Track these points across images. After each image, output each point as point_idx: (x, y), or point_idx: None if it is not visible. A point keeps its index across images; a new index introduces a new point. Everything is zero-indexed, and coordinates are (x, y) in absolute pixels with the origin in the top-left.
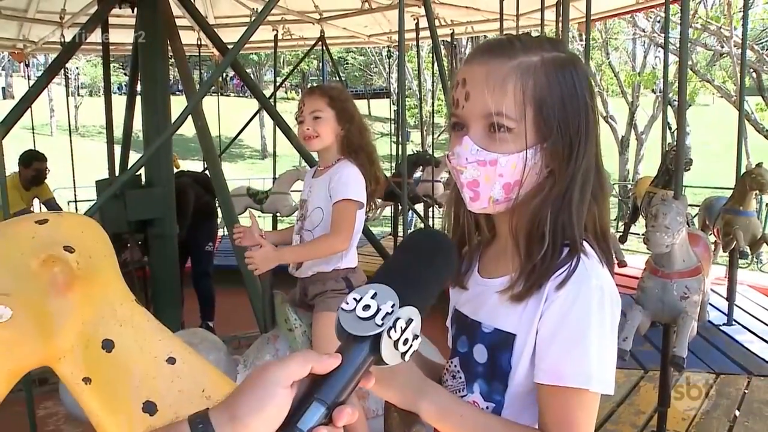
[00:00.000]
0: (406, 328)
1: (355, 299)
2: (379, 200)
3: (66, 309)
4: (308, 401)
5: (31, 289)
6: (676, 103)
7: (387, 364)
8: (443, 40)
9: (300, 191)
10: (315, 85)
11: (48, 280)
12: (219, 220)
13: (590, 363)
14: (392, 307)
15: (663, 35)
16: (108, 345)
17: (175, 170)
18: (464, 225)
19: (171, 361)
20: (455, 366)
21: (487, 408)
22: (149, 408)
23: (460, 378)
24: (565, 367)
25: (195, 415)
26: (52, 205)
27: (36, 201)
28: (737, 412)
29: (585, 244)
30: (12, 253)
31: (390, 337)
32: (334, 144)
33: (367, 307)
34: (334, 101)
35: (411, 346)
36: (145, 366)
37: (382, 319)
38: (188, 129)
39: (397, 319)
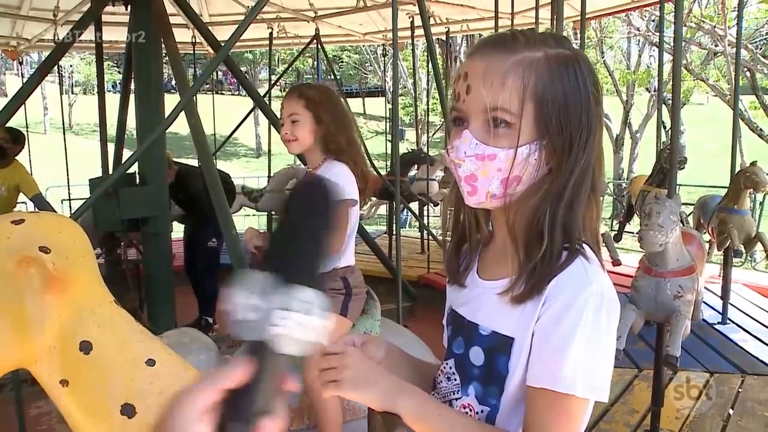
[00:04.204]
0: (301, 314)
1: (241, 301)
2: (374, 198)
3: (43, 311)
4: (225, 426)
5: (7, 290)
6: (670, 101)
7: (300, 355)
8: (438, 39)
9: None
10: (294, 86)
11: (24, 282)
12: None
13: (576, 368)
14: (277, 298)
15: (657, 34)
16: (86, 347)
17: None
18: (464, 222)
19: (150, 363)
20: (450, 368)
21: (481, 412)
22: (128, 411)
23: (455, 380)
24: (553, 371)
25: None
26: (40, 201)
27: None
28: (731, 411)
29: (586, 247)
30: None
31: (285, 330)
32: (316, 145)
33: (251, 307)
34: (311, 103)
35: (316, 327)
36: (124, 368)
37: (268, 316)
38: (182, 127)
39: (285, 309)
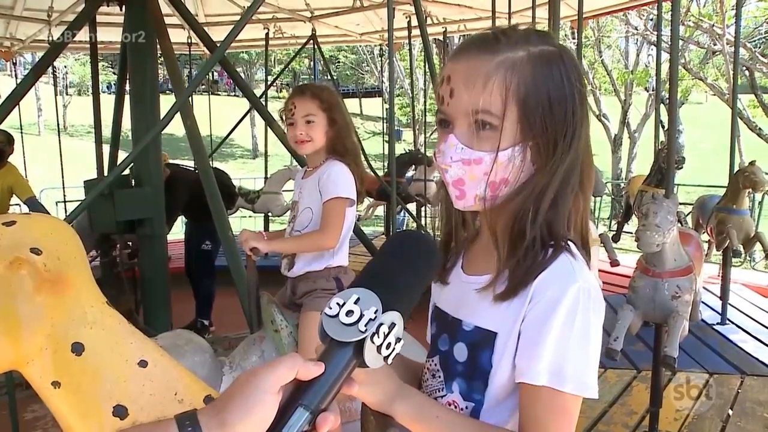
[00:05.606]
0: (389, 333)
1: (338, 304)
2: (371, 199)
3: (35, 312)
4: (293, 407)
5: None
6: (668, 100)
7: (369, 367)
8: (436, 39)
9: (291, 191)
10: (303, 84)
11: (16, 284)
12: None
13: (567, 364)
14: (375, 312)
15: (655, 33)
16: (78, 348)
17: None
18: (452, 221)
19: (143, 364)
20: (435, 365)
21: (466, 407)
22: (120, 412)
23: (440, 377)
24: (543, 368)
25: (183, 415)
26: (33, 204)
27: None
28: (730, 412)
29: (571, 244)
30: None
31: (373, 342)
32: (324, 146)
33: (350, 312)
34: (325, 104)
35: (393, 349)
36: (116, 369)
37: (366, 325)
38: (178, 128)
39: (380, 324)
